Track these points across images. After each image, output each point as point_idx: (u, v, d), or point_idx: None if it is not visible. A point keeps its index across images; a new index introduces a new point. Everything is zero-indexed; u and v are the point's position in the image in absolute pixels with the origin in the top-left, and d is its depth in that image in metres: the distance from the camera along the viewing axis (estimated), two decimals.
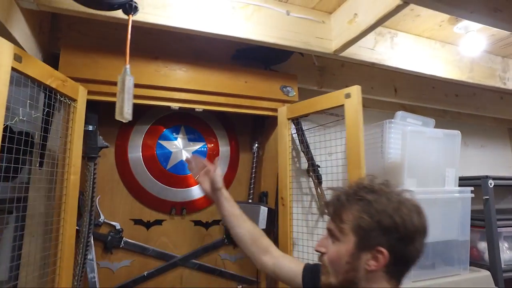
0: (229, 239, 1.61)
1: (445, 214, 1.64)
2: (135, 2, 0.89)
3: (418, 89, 1.97)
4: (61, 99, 1.07)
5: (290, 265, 1.02)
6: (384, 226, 0.69)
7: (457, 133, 1.69)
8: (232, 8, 1.17)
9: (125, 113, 0.85)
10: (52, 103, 1.10)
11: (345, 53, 1.30)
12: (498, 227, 1.73)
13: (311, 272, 0.94)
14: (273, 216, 1.48)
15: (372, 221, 0.70)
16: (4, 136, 0.89)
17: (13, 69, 0.86)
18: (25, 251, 1.14)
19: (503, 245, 1.79)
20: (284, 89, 1.48)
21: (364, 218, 0.71)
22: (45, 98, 1.08)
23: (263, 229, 1.42)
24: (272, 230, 1.49)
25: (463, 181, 1.85)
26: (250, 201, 1.57)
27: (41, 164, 1.19)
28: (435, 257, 1.66)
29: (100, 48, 1.24)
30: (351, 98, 1.24)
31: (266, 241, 1.08)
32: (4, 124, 0.86)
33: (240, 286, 1.56)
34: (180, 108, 1.37)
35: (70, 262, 1.11)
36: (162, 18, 1.08)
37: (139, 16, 1.06)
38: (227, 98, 1.41)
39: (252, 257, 1.07)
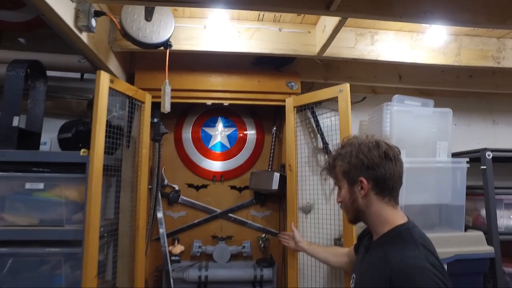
0: (257, 200, 2.15)
1: (437, 181, 1.89)
2: (170, 42, 1.49)
3: (425, 74, 2.19)
4: (135, 102, 1.74)
5: (351, 250, 1.33)
6: (355, 164, 0.99)
7: (448, 110, 1.91)
8: (238, 32, 1.70)
9: (166, 107, 1.46)
10: (133, 106, 1.78)
11: (327, 53, 1.71)
12: (497, 194, 1.89)
13: (355, 244, 1.28)
14: (284, 181, 1.95)
15: (347, 165, 1.01)
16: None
17: (109, 87, 1.53)
18: (121, 202, 1.82)
19: (504, 212, 1.94)
20: (289, 84, 1.95)
21: (343, 165, 1.03)
22: (129, 103, 1.77)
23: (275, 189, 1.92)
24: (284, 191, 1.96)
25: (469, 154, 2.03)
26: (269, 169, 2.07)
27: (128, 145, 1.89)
28: (430, 218, 1.93)
29: (159, 67, 1.88)
30: (343, 92, 1.71)
31: (339, 249, 1.49)
32: None
33: (264, 235, 2.08)
34: (212, 103, 1.96)
35: (144, 207, 1.77)
36: (191, 46, 1.67)
37: (177, 46, 1.66)
38: (246, 94, 1.94)
39: (338, 266, 1.45)
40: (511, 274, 1.84)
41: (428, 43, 1.79)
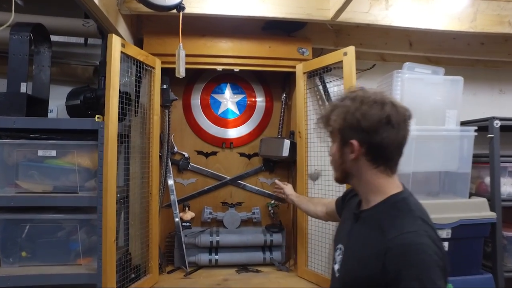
0: (266, 167, 2.16)
1: (445, 149, 1.92)
2: (183, 4, 1.43)
3: (436, 41, 2.15)
4: (146, 68, 1.70)
5: (331, 203, 1.29)
6: (351, 123, 0.83)
7: (459, 78, 1.90)
8: None
9: (180, 72, 1.43)
10: (140, 73, 1.74)
11: (341, 18, 1.66)
12: (502, 162, 1.93)
13: (339, 199, 1.21)
14: (294, 148, 1.96)
15: (342, 121, 0.84)
16: None
17: (121, 52, 1.48)
18: (131, 169, 1.83)
19: (508, 180, 1.99)
20: (300, 50, 1.91)
21: (337, 120, 0.85)
22: (137, 68, 1.72)
23: (285, 156, 1.94)
24: (294, 158, 1.98)
25: (476, 123, 2.05)
26: (279, 136, 2.08)
27: (136, 112, 1.87)
28: (435, 185, 1.98)
29: (167, 32, 1.83)
30: (348, 55, 1.67)
31: (321, 199, 1.58)
32: None
33: (273, 201, 2.12)
34: (223, 69, 1.92)
35: (156, 173, 1.79)
36: (202, 9, 1.61)
37: (188, 10, 1.59)
38: (256, 60, 1.91)
39: (315, 215, 1.47)
40: (509, 238, 1.93)
41: (443, 7, 1.74)
